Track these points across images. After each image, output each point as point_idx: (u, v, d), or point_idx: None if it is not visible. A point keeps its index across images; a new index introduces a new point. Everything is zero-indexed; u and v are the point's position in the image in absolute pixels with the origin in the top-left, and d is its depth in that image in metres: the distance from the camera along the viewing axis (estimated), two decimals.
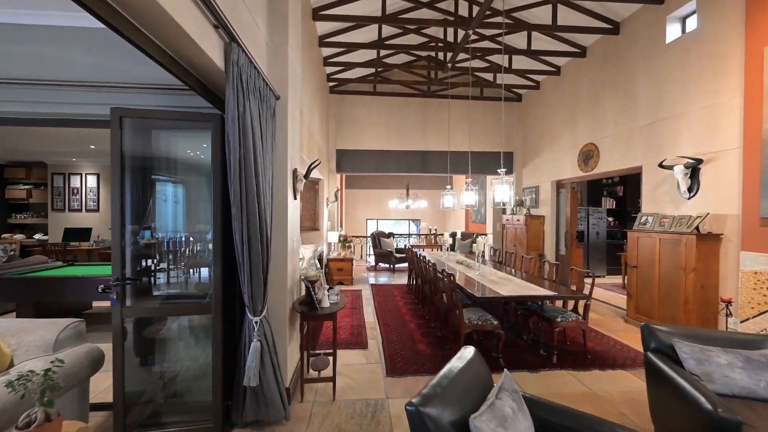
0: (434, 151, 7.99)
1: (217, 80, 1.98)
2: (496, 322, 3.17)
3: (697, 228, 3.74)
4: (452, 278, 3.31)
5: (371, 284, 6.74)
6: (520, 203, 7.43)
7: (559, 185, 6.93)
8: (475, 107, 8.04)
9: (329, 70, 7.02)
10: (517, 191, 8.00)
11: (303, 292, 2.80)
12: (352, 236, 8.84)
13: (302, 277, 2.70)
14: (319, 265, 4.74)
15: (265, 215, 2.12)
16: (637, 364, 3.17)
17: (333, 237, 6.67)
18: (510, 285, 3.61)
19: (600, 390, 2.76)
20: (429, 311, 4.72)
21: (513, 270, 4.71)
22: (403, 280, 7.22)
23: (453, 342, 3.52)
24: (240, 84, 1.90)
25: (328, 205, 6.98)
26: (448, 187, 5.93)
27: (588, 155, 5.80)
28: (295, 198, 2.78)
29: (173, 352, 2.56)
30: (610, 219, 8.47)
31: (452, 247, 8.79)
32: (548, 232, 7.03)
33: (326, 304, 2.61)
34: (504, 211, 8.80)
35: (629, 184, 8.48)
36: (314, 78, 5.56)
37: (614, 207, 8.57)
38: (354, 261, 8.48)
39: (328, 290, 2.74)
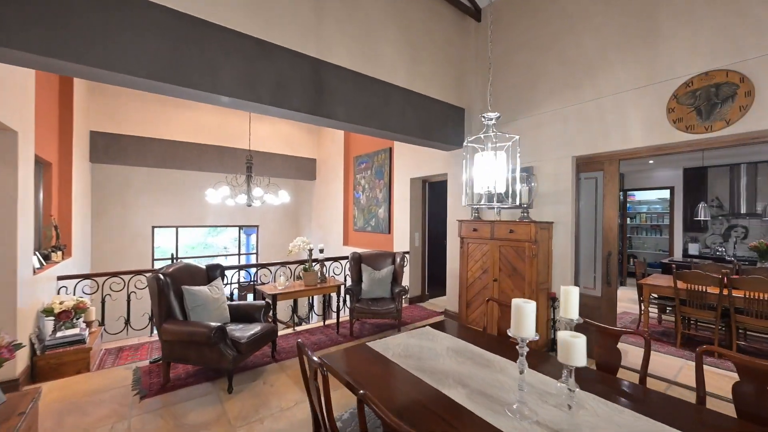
0: (344, 69, 3.31)
1: None
2: None
3: None
4: None
5: None
6: (507, 194, 3.77)
7: (582, 166, 3.75)
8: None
9: None
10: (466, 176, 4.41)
11: None
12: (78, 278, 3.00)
13: None
14: None
15: None
16: None
17: None
18: None
19: None
20: None
21: None
22: None
23: None
24: None
25: None
26: (469, 138, 1.61)
27: (714, 97, 2.74)
28: None
29: None
30: None
31: (355, 291, 4.31)
32: (560, 253, 3.76)
33: None
34: (425, 210, 5.06)
35: None
36: None
37: None
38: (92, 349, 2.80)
39: None
